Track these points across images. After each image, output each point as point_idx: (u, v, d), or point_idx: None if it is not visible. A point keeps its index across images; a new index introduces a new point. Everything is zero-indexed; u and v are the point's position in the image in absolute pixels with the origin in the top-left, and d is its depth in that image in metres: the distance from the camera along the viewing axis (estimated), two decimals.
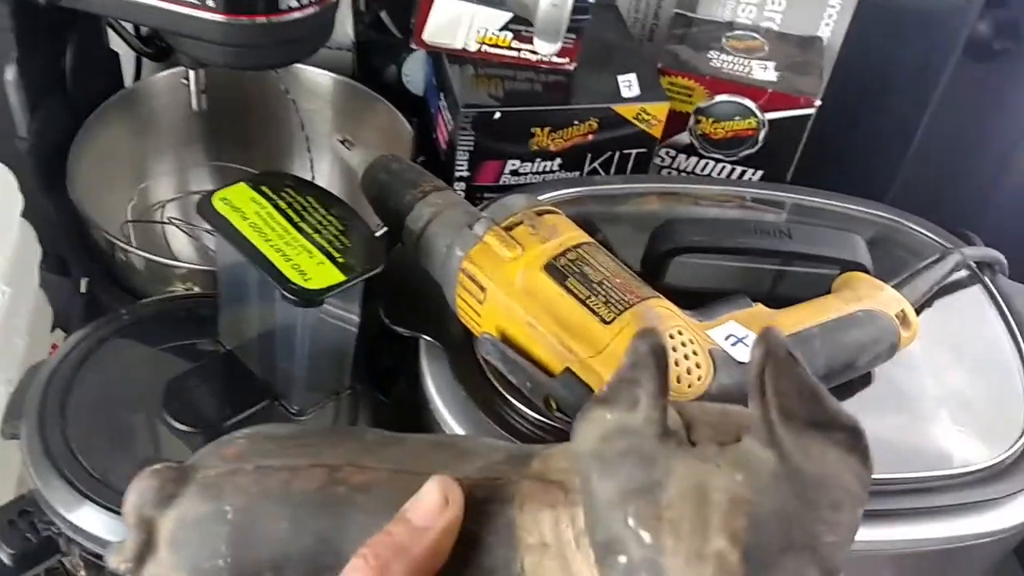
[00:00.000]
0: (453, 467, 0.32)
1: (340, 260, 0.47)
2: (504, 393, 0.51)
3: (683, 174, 0.76)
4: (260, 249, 0.46)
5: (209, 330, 0.55)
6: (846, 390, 0.52)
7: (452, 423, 0.52)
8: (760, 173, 0.77)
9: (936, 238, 0.64)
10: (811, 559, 0.24)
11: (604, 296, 0.46)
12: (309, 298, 0.45)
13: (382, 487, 0.31)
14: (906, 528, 0.48)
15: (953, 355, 0.56)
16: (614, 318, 0.46)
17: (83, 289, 0.65)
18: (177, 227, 0.72)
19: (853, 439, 0.26)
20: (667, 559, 0.23)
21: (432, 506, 0.29)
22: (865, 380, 0.53)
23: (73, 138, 0.68)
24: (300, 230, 0.48)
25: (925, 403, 0.53)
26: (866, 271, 0.53)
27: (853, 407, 0.51)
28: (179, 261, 0.66)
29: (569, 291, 0.47)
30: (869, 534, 0.48)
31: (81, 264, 0.68)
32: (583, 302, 0.46)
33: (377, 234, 0.59)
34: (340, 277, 0.46)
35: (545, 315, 0.46)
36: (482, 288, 0.48)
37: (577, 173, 0.71)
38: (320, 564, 0.30)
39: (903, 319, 0.51)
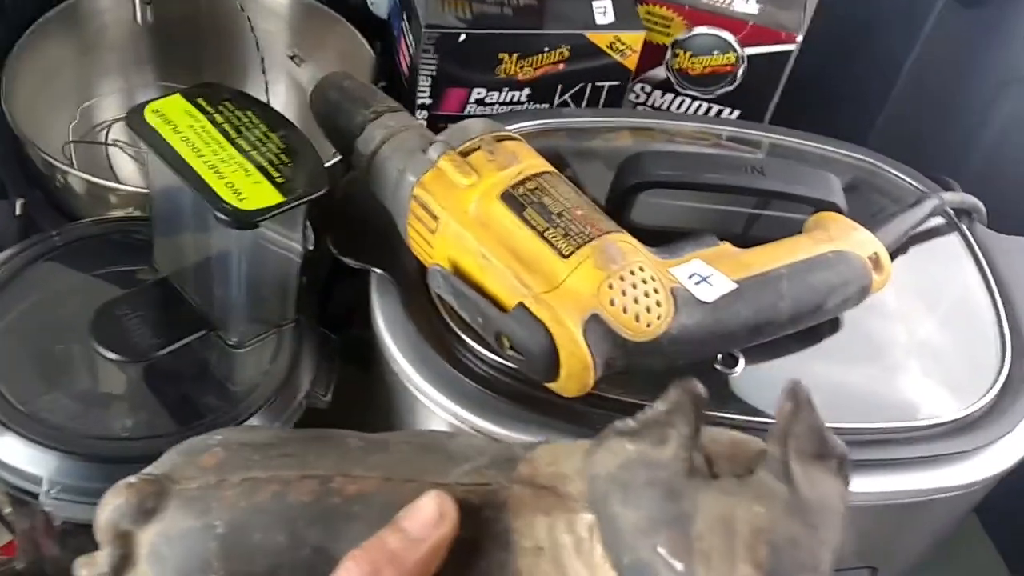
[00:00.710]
0: (441, 473, 0.32)
1: (279, 180, 0.43)
2: (457, 331, 0.49)
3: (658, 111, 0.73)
4: (192, 166, 0.43)
5: (144, 256, 0.52)
6: (814, 336, 0.49)
7: (402, 362, 0.49)
8: (737, 113, 0.74)
9: (915, 183, 0.62)
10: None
11: (563, 228, 0.44)
12: (243, 219, 0.42)
13: (374, 496, 0.31)
14: (870, 480, 0.46)
15: (926, 304, 0.54)
16: (572, 252, 0.43)
17: (18, 211, 0.61)
18: (121, 149, 0.68)
19: (841, 464, 0.29)
20: None
21: (428, 518, 0.30)
22: (834, 326, 0.51)
23: (9, 52, 0.64)
24: (237, 147, 0.44)
25: (895, 352, 0.51)
26: (840, 212, 0.50)
27: (821, 354, 0.50)
28: (120, 183, 0.62)
29: (526, 222, 0.44)
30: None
31: (17, 186, 0.64)
32: (541, 234, 0.43)
33: (330, 162, 0.56)
34: (278, 198, 0.43)
35: (499, 247, 0.44)
36: (434, 217, 0.45)
37: (547, 106, 0.68)
38: (315, 573, 0.30)
39: (876, 262, 0.48)
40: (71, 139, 0.68)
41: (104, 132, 0.70)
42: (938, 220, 0.59)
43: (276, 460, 0.32)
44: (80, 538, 0.54)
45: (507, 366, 0.47)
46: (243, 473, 0.31)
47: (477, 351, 0.48)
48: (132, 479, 0.32)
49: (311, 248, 0.50)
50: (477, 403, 0.47)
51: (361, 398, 0.55)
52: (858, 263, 0.47)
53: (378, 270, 0.52)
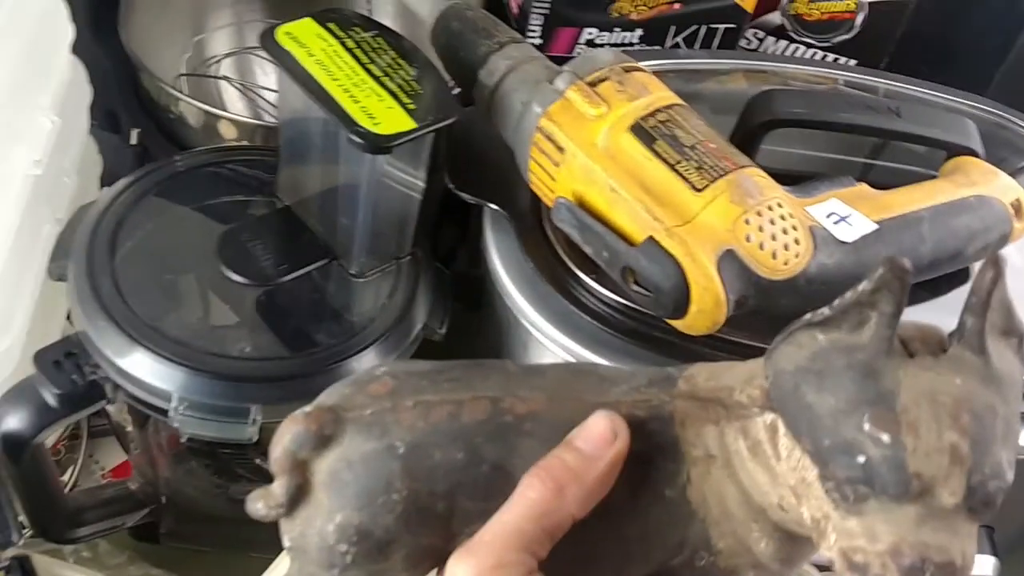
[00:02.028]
0: (600, 393, 0.33)
1: (411, 107, 0.43)
2: (573, 268, 0.48)
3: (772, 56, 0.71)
4: (327, 89, 0.43)
5: (265, 184, 0.52)
6: (944, 285, 0.48)
7: (517, 297, 0.49)
8: (853, 63, 0.71)
9: None
10: (1010, 444, 0.27)
11: (696, 161, 0.42)
12: (378, 144, 0.41)
13: (544, 415, 0.32)
14: None
15: None
16: (706, 185, 0.42)
17: (133, 140, 0.62)
18: (231, 83, 0.69)
19: (1020, 343, 0.30)
20: (908, 455, 0.26)
21: (602, 437, 0.31)
22: (962, 278, 0.49)
23: None
24: (369, 72, 0.44)
25: None
26: (977, 157, 0.48)
27: (951, 305, 0.49)
28: (235, 113, 0.62)
29: (657, 155, 0.43)
30: None
31: (132, 115, 0.65)
32: (672, 167, 0.42)
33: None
34: (411, 124, 0.42)
35: (629, 179, 0.43)
36: (560, 148, 0.45)
37: (658, 48, 0.66)
38: (493, 490, 0.31)
39: (1018, 209, 0.46)
40: (183, 72, 0.68)
41: (215, 66, 0.70)
42: None
43: (444, 384, 0.32)
44: (192, 461, 0.55)
45: (624, 304, 0.47)
46: (415, 397, 0.32)
47: (593, 288, 0.47)
48: (308, 408, 0.32)
49: (446, 185, 0.50)
50: (592, 340, 0.47)
51: (469, 334, 0.55)
52: (1000, 209, 0.45)
53: (494, 206, 0.51)
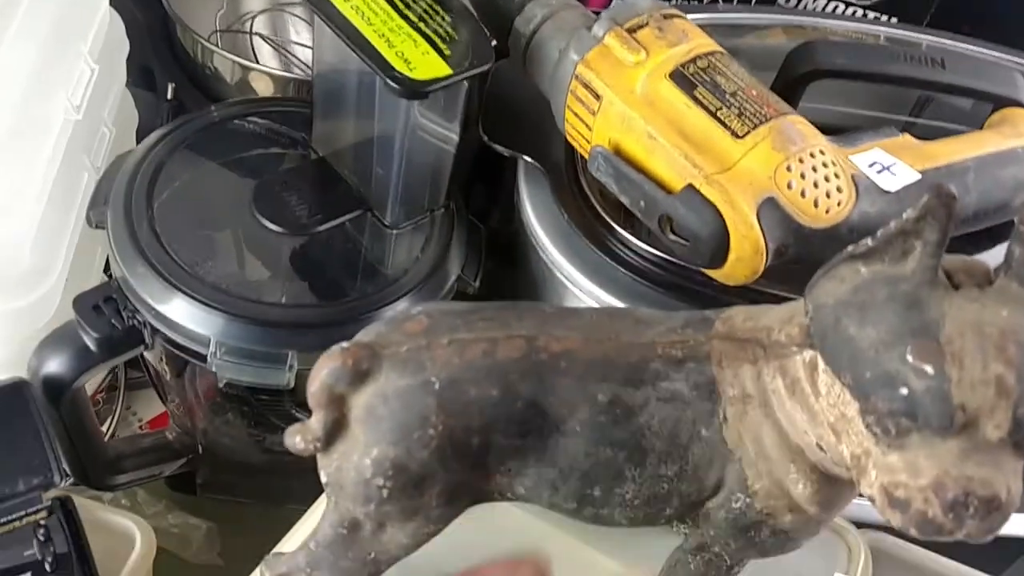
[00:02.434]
0: (636, 334, 0.33)
1: (447, 53, 0.43)
2: (609, 220, 0.48)
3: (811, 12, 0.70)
4: (363, 34, 0.42)
5: (299, 136, 0.52)
6: (987, 240, 0.47)
7: (552, 250, 0.49)
8: (894, 21, 0.70)
9: None
10: None
11: (737, 108, 0.42)
12: (413, 89, 0.41)
13: (579, 353, 0.32)
14: None
15: None
16: (747, 132, 0.41)
17: (169, 95, 0.63)
18: (264, 40, 0.69)
19: None
20: (952, 386, 0.26)
21: None
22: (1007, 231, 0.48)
23: None
24: (405, 18, 0.44)
25: None
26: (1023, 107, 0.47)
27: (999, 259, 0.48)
28: (266, 66, 0.62)
29: (697, 101, 0.42)
30: None
31: (167, 70, 0.65)
32: (713, 114, 0.42)
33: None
34: (446, 70, 0.42)
35: (668, 127, 0.42)
36: (597, 96, 0.44)
37: (697, 2, 0.65)
38: (527, 427, 0.32)
39: None
40: (217, 28, 0.68)
41: (248, 23, 0.70)
42: None
43: (479, 323, 0.32)
44: (228, 412, 0.56)
45: (660, 256, 0.46)
46: (450, 335, 0.32)
47: (629, 241, 0.47)
48: (345, 344, 0.32)
49: (481, 140, 0.50)
50: (628, 292, 0.46)
51: (503, 290, 0.55)
52: None
53: (528, 158, 0.51)
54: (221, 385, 0.46)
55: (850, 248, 0.28)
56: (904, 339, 0.26)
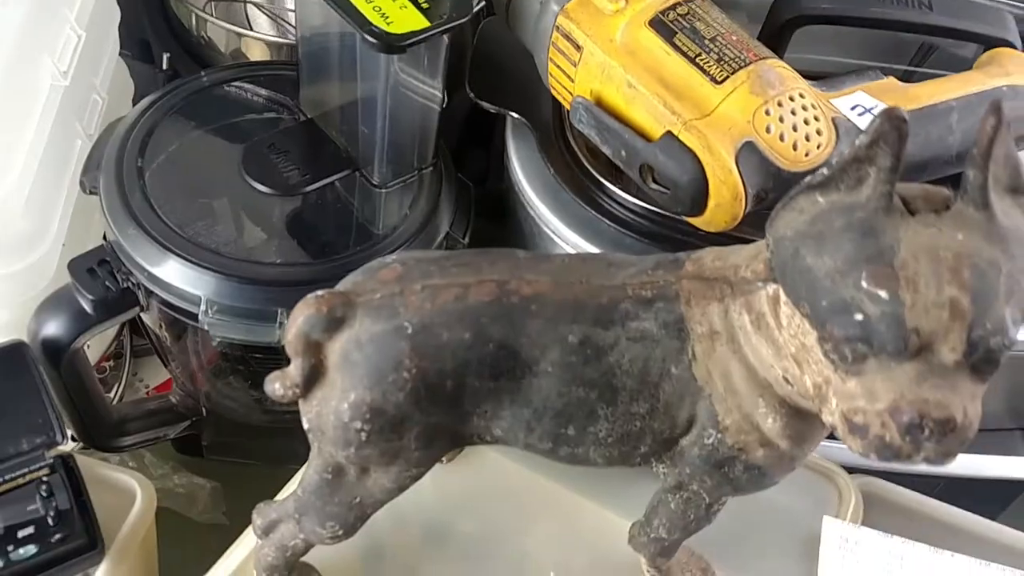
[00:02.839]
0: (607, 276, 0.33)
1: (425, 7, 0.43)
2: (595, 174, 0.48)
3: None
4: None
5: (288, 99, 0.52)
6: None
7: (539, 205, 0.49)
8: None
9: None
10: (1015, 301, 0.26)
11: (717, 54, 0.42)
12: (391, 43, 0.41)
13: (549, 296, 0.32)
14: None
15: None
16: (726, 77, 0.41)
17: (164, 65, 0.63)
18: (258, 8, 0.69)
19: None
20: (906, 310, 0.26)
21: None
22: None
23: None
24: None
25: None
26: (1014, 48, 0.47)
27: None
28: (260, 32, 0.63)
29: (676, 48, 0.42)
30: None
31: (162, 41, 0.66)
32: (692, 60, 0.42)
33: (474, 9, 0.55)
34: (424, 23, 0.42)
35: (647, 75, 0.42)
36: (578, 47, 0.44)
37: None
38: (500, 369, 0.32)
39: None
40: None
41: None
42: None
43: (452, 269, 0.33)
44: (230, 375, 0.57)
45: (645, 207, 0.46)
46: (423, 281, 0.32)
47: (615, 193, 0.47)
48: (320, 292, 0.32)
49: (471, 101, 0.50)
50: (614, 244, 0.47)
51: (493, 246, 0.56)
52: None
53: (515, 115, 0.51)
54: (215, 344, 0.46)
55: (808, 179, 0.28)
56: (859, 266, 0.26)
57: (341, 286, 0.34)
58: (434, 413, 0.32)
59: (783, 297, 0.29)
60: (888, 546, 0.44)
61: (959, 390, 0.26)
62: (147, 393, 0.63)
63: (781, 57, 0.48)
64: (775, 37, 0.48)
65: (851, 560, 0.43)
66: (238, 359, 0.54)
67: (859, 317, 0.26)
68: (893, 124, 0.26)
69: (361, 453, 0.33)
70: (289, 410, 0.56)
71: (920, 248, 0.26)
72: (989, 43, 0.47)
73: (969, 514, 0.48)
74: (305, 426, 0.34)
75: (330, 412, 0.32)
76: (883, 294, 0.26)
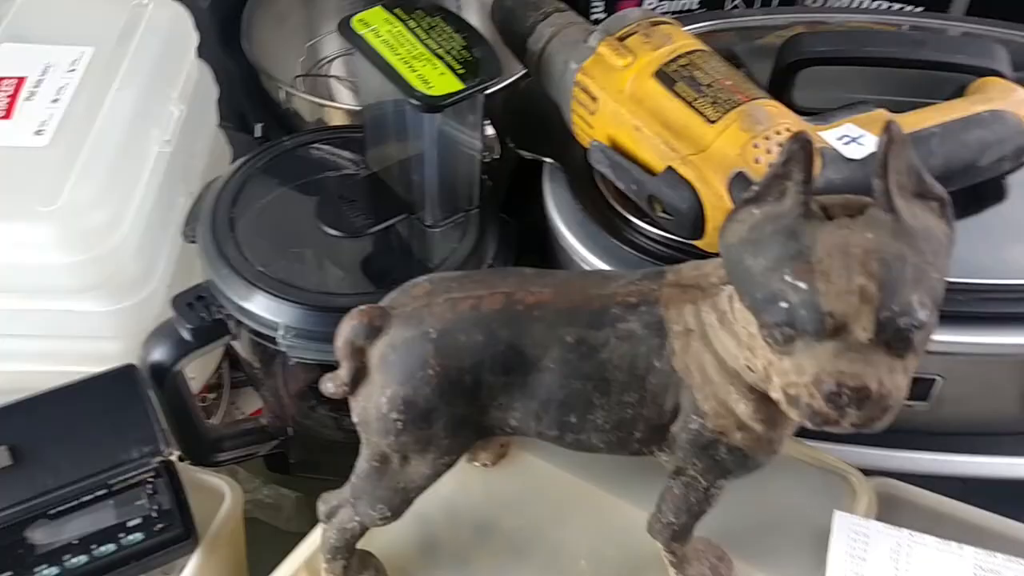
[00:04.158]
0: (600, 286, 0.39)
1: (461, 72, 0.50)
2: (619, 208, 0.54)
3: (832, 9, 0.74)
4: (390, 62, 0.50)
5: (357, 157, 0.60)
6: (974, 201, 0.50)
7: (570, 237, 0.55)
8: (919, 10, 0.73)
9: None
10: (923, 288, 0.31)
11: (712, 97, 0.47)
12: (431, 103, 0.49)
13: (549, 304, 0.38)
14: None
15: None
16: (719, 117, 0.47)
17: (258, 134, 0.73)
18: (339, 80, 0.78)
19: (942, 206, 0.34)
20: (821, 297, 0.31)
21: None
22: (999, 195, 0.51)
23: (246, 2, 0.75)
24: (427, 46, 0.51)
25: None
26: (1003, 77, 0.50)
27: (981, 221, 0.51)
28: (337, 103, 0.71)
29: (677, 95, 0.48)
30: (999, 338, 0.48)
31: (256, 113, 0.75)
32: (690, 104, 0.48)
33: (515, 76, 0.63)
34: (459, 85, 0.49)
35: (651, 119, 0.48)
36: (594, 98, 0.51)
37: (718, 10, 0.71)
38: (508, 365, 0.38)
39: None
40: (299, 73, 0.79)
41: (326, 66, 0.80)
42: None
43: (469, 284, 0.39)
44: (311, 399, 0.64)
45: (662, 236, 0.52)
46: (445, 295, 0.39)
47: (636, 225, 0.53)
48: (362, 307, 0.40)
49: (495, 156, 0.57)
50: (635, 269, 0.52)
51: None
52: (1014, 121, 0.48)
53: (549, 160, 0.58)
54: (290, 364, 0.54)
55: (744, 195, 0.34)
56: (784, 263, 0.31)
57: (381, 302, 0.41)
58: (457, 405, 0.39)
59: (735, 295, 0.34)
60: (896, 538, 0.47)
61: (874, 363, 0.31)
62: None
63: (790, 96, 0.53)
64: (781, 79, 0.54)
65: (859, 551, 0.47)
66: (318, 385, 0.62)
67: (784, 305, 0.31)
68: (801, 145, 0.32)
69: (399, 440, 0.39)
70: None
71: (833, 246, 0.31)
72: (978, 73, 0.51)
73: (986, 512, 0.50)
74: (354, 419, 0.41)
75: (372, 406, 0.39)
76: (802, 285, 0.31)
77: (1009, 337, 0.48)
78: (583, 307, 0.38)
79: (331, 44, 0.83)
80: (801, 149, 0.32)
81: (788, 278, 0.31)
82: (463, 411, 0.39)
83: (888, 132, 0.32)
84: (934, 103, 0.56)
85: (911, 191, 0.33)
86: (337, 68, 0.82)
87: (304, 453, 0.66)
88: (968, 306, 0.47)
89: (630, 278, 0.39)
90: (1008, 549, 0.47)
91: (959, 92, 0.57)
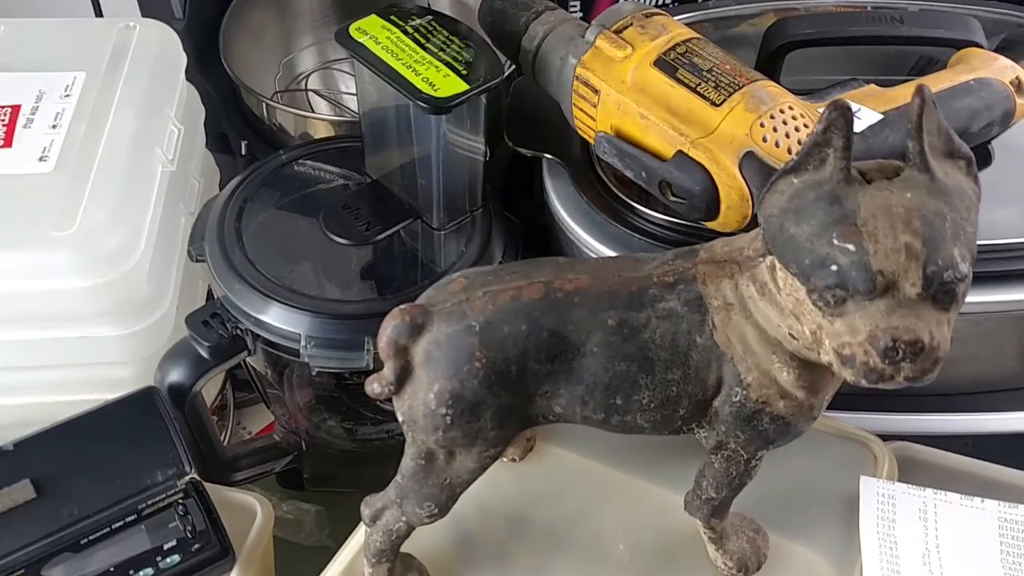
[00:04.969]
0: (635, 269, 0.40)
1: (464, 73, 0.51)
2: (622, 196, 0.55)
3: None
4: (394, 67, 0.51)
5: (355, 166, 0.61)
6: None
7: (576, 228, 0.56)
8: None
9: None
10: (961, 242, 0.33)
11: (714, 82, 0.49)
12: (439, 105, 0.49)
13: (587, 289, 0.39)
14: None
15: None
16: (724, 100, 0.48)
17: (243, 152, 0.72)
18: (317, 94, 0.78)
19: (969, 164, 0.36)
20: (870, 257, 0.32)
21: None
22: (985, 160, 0.53)
23: (223, 18, 0.75)
24: (427, 50, 0.52)
25: None
26: (981, 48, 0.53)
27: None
28: (322, 114, 0.72)
29: (679, 81, 0.49)
30: (996, 295, 0.50)
31: (238, 131, 0.75)
32: (693, 89, 0.49)
33: (505, 75, 0.63)
34: (464, 86, 0.50)
35: (656, 106, 0.49)
36: (595, 91, 0.52)
37: (694, 3, 0.72)
38: (554, 352, 0.39)
39: (1018, 87, 0.51)
40: (277, 89, 0.78)
41: (303, 81, 0.80)
42: None
43: (507, 276, 0.40)
44: (324, 411, 0.64)
45: (669, 220, 0.53)
46: (484, 288, 0.39)
47: (641, 211, 0.54)
48: (402, 306, 0.40)
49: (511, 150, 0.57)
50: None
51: None
52: (999, 88, 0.50)
53: (549, 156, 0.59)
54: (314, 374, 0.54)
55: (783, 165, 0.35)
56: (830, 228, 0.33)
57: (419, 300, 0.41)
58: (504, 395, 0.39)
59: (778, 264, 0.36)
60: (922, 498, 0.49)
61: (924, 317, 0.32)
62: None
63: (777, 79, 0.55)
64: (769, 63, 0.55)
65: (888, 513, 0.48)
66: (330, 397, 0.62)
67: (834, 268, 0.32)
68: (840, 112, 0.33)
69: (448, 435, 0.40)
70: (375, 438, 0.64)
71: (877, 207, 0.32)
72: (958, 45, 0.54)
73: (998, 466, 0.52)
74: (400, 419, 0.41)
75: (419, 403, 0.39)
76: (851, 247, 0.32)
77: (1004, 294, 0.50)
78: (621, 290, 0.39)
79: (306, 59, 0.83)
80: (841, 116, 0.33)
81: (837, 241, 0.32)
82: (509, 401, 0.39)
83: (921, 95, 0.33)
84: (910, 79, 0.59)
85: (941, 151, 0.34)
86: (314, 83, 0.82)
87: (318, 467, 0.66)
88: None
89: (663, 259, 0.40)
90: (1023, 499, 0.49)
91: (925, 66, 0.60)
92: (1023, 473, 0.52)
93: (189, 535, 0.49)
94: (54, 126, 0.54)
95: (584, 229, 0.55)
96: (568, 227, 0.56)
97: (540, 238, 0.62)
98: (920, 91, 0.33)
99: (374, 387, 0.40)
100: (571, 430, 0.48)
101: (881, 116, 0.48)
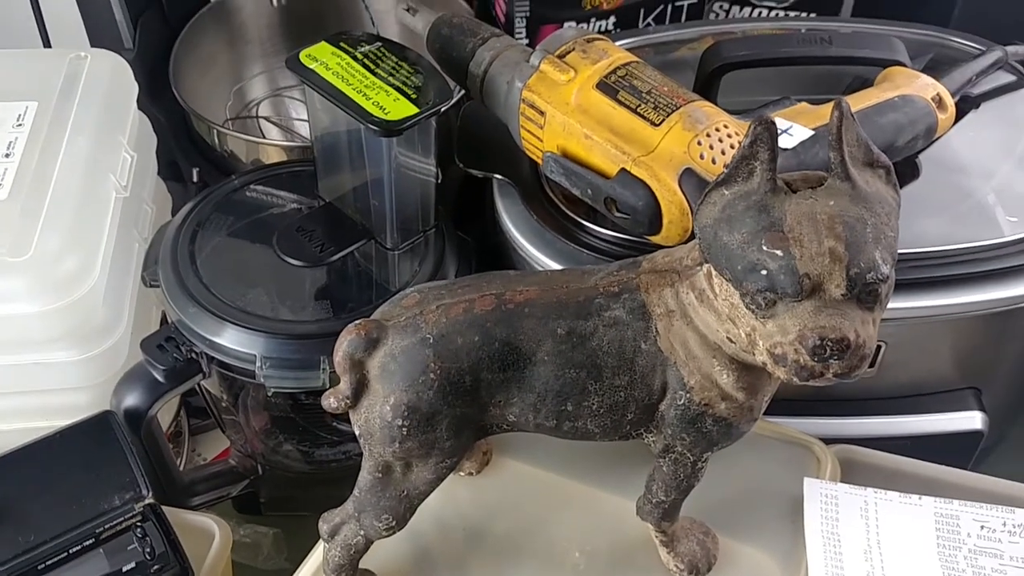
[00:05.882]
0: (582, 280, 0.41)
1: (414, 97, 0.52)
2: (570, 214, 0.57)
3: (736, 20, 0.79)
4: (345, 92, 0.52)
5: (307, 189, 0.62)
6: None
7: (527, 246, 0.57)
8: (813, 16, 0.79)
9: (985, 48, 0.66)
10: (883, 245, 0.35)
11: (653, 103, 0.51)
12: (390, 128, 0.51)
13: (538, 299, 0.41)
14: (961, 293, 0.52)
15: (1004, 152, 0.58)
16: (663, 120, 0.50)
17: (194, 179, 0.73)
18: (268, 120, 0.79)
19: (888, 172, 0.38)
20: (797, 261, 0.34)
21: None
22: (914, 172, 0.56)
23: (172, 48, 0.76)
24: (377, 75, 0.54)
25: (976, 193, 0.56)
26: (904, 66, 0.56)
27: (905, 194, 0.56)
28: (273, 140, 0.72)
29: (620, 103, 0.51)
30: (927, 301, 0.52)
31: (190, 159, 0.75)
32: (633, 110, 0.51)
33: (454, 99, 0.65)
34: (414, 110, 0.52)
35: (599, 126, 0.51)
36: (541, 113, 0.53)
37: (634, 28, 0.75)
38: (505, 362, 0.40)
39: (939, 102, 0.53)
40: (228, 117, 0.79)
41: (254, 108, 0.81)
42: (1010, 78, 0.63)
43: (459, 290, 0.41)
44: (280, 435, 0.65)
45: (615, 236, 0.55)
46: (437, 302, 0.41)
47: (588, 228, 0.56)
48: (358, 321, 0.41)
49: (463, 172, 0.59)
50: None
51: None
52: (922, 104, 0.53)
53: (499, 176, 0.60)
54: (270, 395, 0.54)
55: (714, 178, 0.37)
56: (759, 235, 0.35)
57: (374, 315, 0.42)
58: (458, 405, 0.40)
59: (714, 272, 0.37)
60: (863, 496, 0.51)
61: (849, 317, 0.34)
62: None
63: (715, 100, 0.57)
64: (706, 84, 0.58)
65: (831, 513, 0.50)
66: (286, 419, 0.62)
67: (764, 272, 0.34)
68: (765, 127, 0.35)
69: (404, 447, 0.41)
70: (331, 459, 0.64)
71: (802, 215, 0.35)
72: (883, 64, 0.57)
73: (937, 465, 0.54)
74: (356, 432, 0.42)
75: (376, 416, 0.40)
76: (779, 252, 0.34)
77: (935, 299, 0.53)
78: (569, 300, 0.41)
79: (257, 87, 0.84)
80: (766, 131, 0.35)
81: (765, 247, 0.34)
82: (464, 411, 0.41)
83: (839, 109, 0.35)
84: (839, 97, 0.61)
85: (861, 161, 0.37)
86: (265, 110, 0.83)
87: (275, 490, 0.66)
88: (899, 274, 0.51)
89: (608, 270, 0.42)
90: (959, 495, 0.51)
91: (859, 85, 0.63)
92: (958, 471, 0.54)
93: (148, 557, 0.49)
94: (7, 155, 0.54)
95: (535, 246, 0.57)
96: (519, 245, 0.58)
97: (492, 256, 0.64)
98: (839, 105, 0.36)
99: (330, 402, 0.41)
100: (526, 443, 0.50)
101: (812, 132, 0.50)
